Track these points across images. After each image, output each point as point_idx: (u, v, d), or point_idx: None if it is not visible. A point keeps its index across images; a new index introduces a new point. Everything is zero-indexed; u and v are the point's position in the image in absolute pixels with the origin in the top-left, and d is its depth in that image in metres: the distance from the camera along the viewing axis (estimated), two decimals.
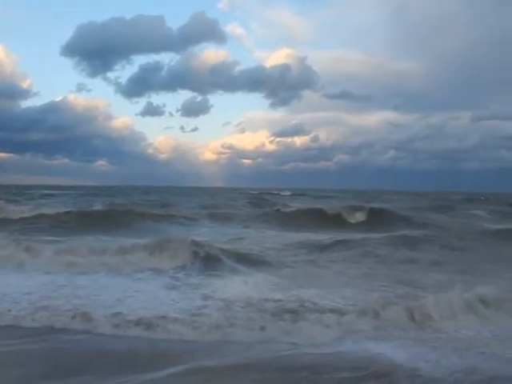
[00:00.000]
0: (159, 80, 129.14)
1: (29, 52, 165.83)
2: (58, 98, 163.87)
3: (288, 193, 65.55)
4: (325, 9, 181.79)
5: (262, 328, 5.99)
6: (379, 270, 10.74)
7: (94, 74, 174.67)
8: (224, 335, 5.85)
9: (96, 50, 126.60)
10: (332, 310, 6.78)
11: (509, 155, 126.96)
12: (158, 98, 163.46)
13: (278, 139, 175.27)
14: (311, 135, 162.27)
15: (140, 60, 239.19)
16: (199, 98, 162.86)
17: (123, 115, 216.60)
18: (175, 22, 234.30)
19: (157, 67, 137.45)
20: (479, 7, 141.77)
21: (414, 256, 12.54)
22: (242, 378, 4.80)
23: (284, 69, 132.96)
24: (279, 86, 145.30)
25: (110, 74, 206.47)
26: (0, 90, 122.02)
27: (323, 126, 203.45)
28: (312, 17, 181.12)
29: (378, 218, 21.46)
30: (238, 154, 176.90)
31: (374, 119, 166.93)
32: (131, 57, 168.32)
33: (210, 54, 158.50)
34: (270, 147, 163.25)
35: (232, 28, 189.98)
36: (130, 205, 28.47)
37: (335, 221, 21.07)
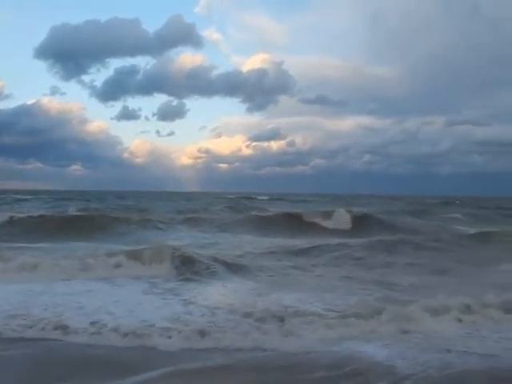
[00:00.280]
0: (135, 84, 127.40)
1: (1, 54, 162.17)
2: (31, 101, 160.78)
3: (265, 197, 65.67)
4: (301, 14, 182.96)
5: (246, 333, 5.98)
6: (357, 274, 10.87)
7: (68, 77, 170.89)
8: (207, 341, 5.80)
9: (70, 53, 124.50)
10: (314, 314, 6.83)
11: (480, 160, 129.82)
12: (133, 102, 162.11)
13: (255, 144, 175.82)
14: (287, 140, 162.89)
15: (115, 63, 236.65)
16: (175, 102, 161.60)
17: (98, 119, 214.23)
18: (151, 26, 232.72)
19: (133, 71, 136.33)
20: (454, 14, 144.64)
21: (392, 259, 12.76)
22: (221, 380, 4.88)
23: (260, 73, 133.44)
24: (256, 91, 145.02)
25: (85, 78, 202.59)
26: None
27: (299, 130, 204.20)
28: (288, 22, 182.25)
29: (357, 223, 21.64)
30: (215, 158, 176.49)
31: (350, 124, 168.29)
32: (106, 60, 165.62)
33: (187, 58, 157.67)
34: (247, 152, 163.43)
35: (209, 32, 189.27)
36: (106, 210, 28.16)
37: (313, 225, 21.14)
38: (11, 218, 19.89)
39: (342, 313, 6.87)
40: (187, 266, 10.28)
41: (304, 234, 18.99)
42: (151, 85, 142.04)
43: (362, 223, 21.25)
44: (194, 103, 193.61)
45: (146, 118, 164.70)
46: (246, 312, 6.89)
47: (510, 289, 8.28)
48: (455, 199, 70.13)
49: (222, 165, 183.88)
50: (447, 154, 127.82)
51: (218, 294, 8.67)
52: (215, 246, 15.30)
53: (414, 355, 5.28)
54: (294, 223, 21.53)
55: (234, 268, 10.69)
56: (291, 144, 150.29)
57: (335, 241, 16.26)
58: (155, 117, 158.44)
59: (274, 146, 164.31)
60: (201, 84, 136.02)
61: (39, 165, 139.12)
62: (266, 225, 20.92)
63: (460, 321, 6.47)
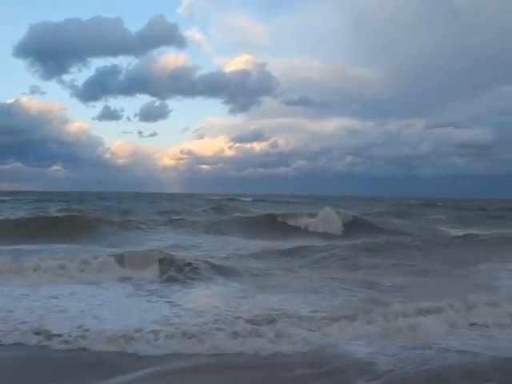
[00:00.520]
0: (117, 84, 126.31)
1: None
2: (10, 100, 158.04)
3: (249, 199, 65.54)
4: (284, 15, 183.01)
5: (230, 334, 5.97)
6: (342, 275, 10.90)
7: (48, 76, 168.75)
8: (192, 342, 5.74)
9: (50, 52, 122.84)
10: (298, 315, 6.92)
11: (460, 162, 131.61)
12: (115, 102, 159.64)
13: (237, 145, 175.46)
14: (270, 141, 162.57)
15: (97, 63, 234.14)
16: (158, 103, 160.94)
17: (79, 119, 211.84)
18: (134, 25, 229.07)
19: (114, 70, 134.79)
20: (435, 19, 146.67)
21: (377, 261, 12.84)
22: (206, 379, 5.01)
23: (244, 75, 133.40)
24: (239, 92, 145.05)
25: (66, 77, 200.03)
26: None
27: (282, 131, 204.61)
28: (271, 23, 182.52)
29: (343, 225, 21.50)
30: (197, 159, 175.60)
31: (333, 125, 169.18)
32: (88, 59, 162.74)
33: (170, 59, 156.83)
34: (229, 153, 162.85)
35: (191, 33, 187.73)
36: (87, 211, 27.67)
37: (298, 227, 21.05)
38: None
39: (327, 313, 7.02)
40: (172, 268, 10.16)
41: (289, 236, 18.95)
42: (133, 85, 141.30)
43: (347, 225, 21.19)
44: (176, 104, 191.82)
45: (128, 119, 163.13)
46: (232, 314, 6.94)
47: (487, 288, 8.89)
48: (436, 201, 70.87)
49: (204, 166, 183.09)
50: (428, 156, 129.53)
51: (203, 296, 8.62)
52: (199, 248, 15.18)
53: (396, 352, 5.45)
54: (279, 224, 21.43)
55: (220, 270, 10.60)
56: (274, 145, 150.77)
57: (320, 242, 16.33)
58: (137, 117, 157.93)
59: (257, 147, 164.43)
60: (184, 85, 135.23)
61: (18, 165, 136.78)
62: (251, 226, 20.77)
63: (443, 319, 6.64)
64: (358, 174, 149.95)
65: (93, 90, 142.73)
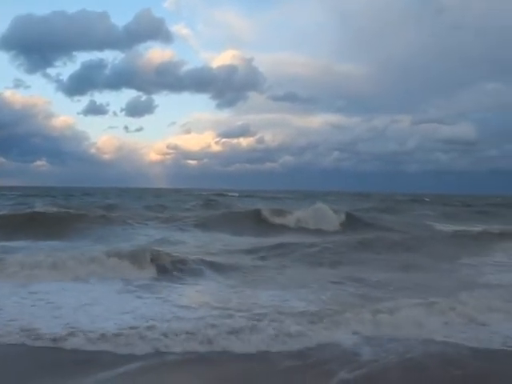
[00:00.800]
0: (103, 78, 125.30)
1: None
2: None
3: (236, 194, 65.34)
4: (271, 11, 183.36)
5: (222, 328, 6.01)
6: (331, 271, 10.97)
7: (32, 69, 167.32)
8: (186, 338, 5.72)
9: (35, 45, 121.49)
10: (292, 309, 7.07)
11: (445, 158, 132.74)
12: (101, 97, 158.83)
13: (224, 140, 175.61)
14: (257, 136, 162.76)
15: (82, 57, 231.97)
16: (144, 98, 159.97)
17: (64, 114, 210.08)
18: (120, 20, 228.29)
19: (100, 65, 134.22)
20: (422, 16, 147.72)
21: (366, 256, 12.92)
22: (198, 370, 5.09)
23: (230, 70, 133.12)
24: (225, 87, 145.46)
25: (51, 71, 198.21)
26: None
27: (269, 127, 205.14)
28: (258, 18, 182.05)
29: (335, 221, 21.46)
30: (184, 154, 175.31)
31: (319, 121, 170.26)
32: (73, 53, 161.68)
33: (156, 54, 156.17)
34: (216, 148, 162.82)
35: (178, 28, 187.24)
36: (73, 206, 27.28)
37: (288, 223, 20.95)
38: None
39: (315, 307, 7.21)
40: (162, 264, 10.08)
41: (279, 231, 18.92)
42: (119, 79, 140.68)
43: (340, 221, 21.15)
44: (163, 99, 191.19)
45: (114, 114, 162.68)
46: (222, 309, 6.99)
47: (473, 282, 9.43)
48: (423, 196, 71.34)
49: (190, 161, 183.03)
50: (414, 151, 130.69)
51: (193, 292, 8.54)
52: (188, 244, 15.12)
53: (380, 343, 5.64)
54: (269, 220, 21.34)
55: (210, 266, 10.51)
56: (260, 141, 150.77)
57: (311, 238, 16.30)
58: (123, 112, 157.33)
59: (244, 142, 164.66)
60: (170, 80, 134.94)
61: (1, 160, 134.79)
62: (240, 222, 20.67)
63: (428, 312, 6.74)
64: (344, 169, 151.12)
65: (78, 85, 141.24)
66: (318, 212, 21.31)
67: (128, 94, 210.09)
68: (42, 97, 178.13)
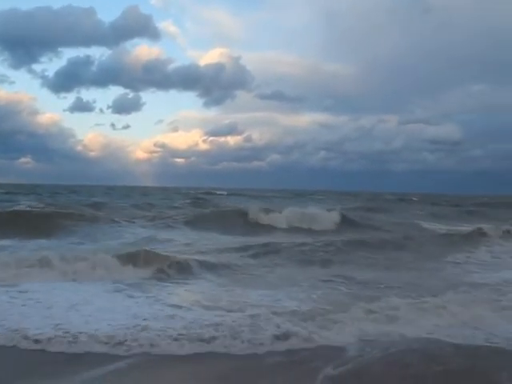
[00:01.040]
0: (89, 75, 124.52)
1: None
2: None
3: (224, 192, 65.13)
4: (259, 10, 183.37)
5: (212, 325, 6.07)
6: (320, 270, 11.05)
7: (17, 65, 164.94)
8: (180, 338, 5.71)
9: (20, 40, 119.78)
10: (283, 308, 7.13)
11: (431, 158, 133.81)
12: (87, 94, 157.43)
13: (211, 138, 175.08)
14: (244, 135, 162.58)
15: (69, 53, 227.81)
16: (131, 95, 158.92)
17: (50, 110, 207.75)
18: (107, 16, 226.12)
19: (87, 61, 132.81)
20: (408, 17, 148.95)
21: (354, 255, 13.06)
22: (186, 367, 5.13)
23: (218, 68, 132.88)
24: (213, 85, 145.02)
25: (36, 67, 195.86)
26: None
27: (256, 125, 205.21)
28: (246, 17, 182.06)
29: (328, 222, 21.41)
30: (171, 152, 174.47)
31: (306, 120, 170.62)
32: (59, 49, 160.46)
33: (143, 51, 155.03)
34: (203, 146, 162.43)
35: (166, 25, 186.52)
36: (59, 205, 26.89)
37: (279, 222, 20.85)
38: None
39: (304, 305, 7.33)
40: (152, 264, 9.98)
41: (270, 231, 18.85)
42: (106, 76, 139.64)
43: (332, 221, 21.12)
44: (150, 96, 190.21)
45: (101, 111, 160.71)
46: (215, 308, 7.02)
47: (455, 280, 9.74)
48: (410, 196, 71.78)
49: (178, 159, 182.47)
50: (400, 151, 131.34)
51: (184, 292, 8.47)
52: (176, 242, 15.00)
53: (366, 339, 5.74)
54: (259, 219, 21.16)
55: (200, 265, 10.42)
56: (248, 139, 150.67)
57: (300, 237, 16.31)
58: (110, 109, 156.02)
59: (231, 141, 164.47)
60: (157, 77, 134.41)
61: None
62: (229, 221, 20.54)
63: (415, 309, 6.89)
64: (331, 168, 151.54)
65: (64, 81, 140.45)
66: (307, 211, 21.26)
67: (115, 91, 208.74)
68: (27, 93, 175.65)
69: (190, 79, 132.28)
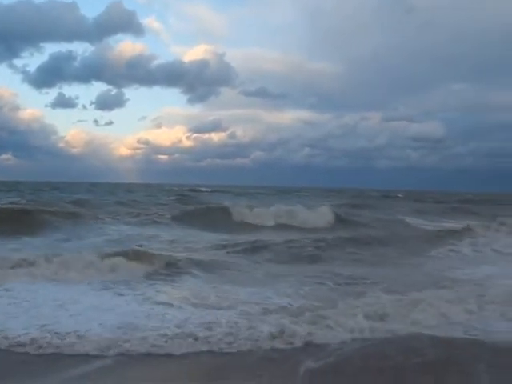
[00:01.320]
0: (72, 70, 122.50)
1: None
2: None
3: (208, 189, 64.88)
4: (243, 6, 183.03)
5: (198, 322, 6.11)
6: (307, 266, 11.07)
7: None
8: (169, 336, 5.67)
9: (0, 34, 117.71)
10: (275, 305, 7.19)
11: (414, 155, 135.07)
12: (70, 90, 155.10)
13: (195, 135, 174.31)
14: (228, 132, 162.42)
15: (51, 48, 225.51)
16: (114, 91, 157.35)
17: (32, 106, 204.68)
18: (90, 11, 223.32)
19: (69, 57, 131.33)
20: (391, 17, 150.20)
21: (341, 252, 13.16)
22: (166, 365, 5.12)
23: (202, 64, 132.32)
24: (197, 82, 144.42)
25: (17, 62, 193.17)
26: None
27: (240, 122, 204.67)
28: (230, 14, 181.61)
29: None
30: (154, 149, 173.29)
31: (290, 117, 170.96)
32: (41, 44, 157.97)
33: (127, 47, 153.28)
34: (187, 143, 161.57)
35: (149, 21, 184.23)
36: (41, 202, 26.42)
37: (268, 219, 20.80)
38: None
39: (294, 303, 7.40)
40: (140, 262, 9.85)
41: (255, 228, 18.77)
42: (89, 72, 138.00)
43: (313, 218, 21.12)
44: (133, 93, 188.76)
45: (84, 107, 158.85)
46: (205, 305, 7.03)
47: (438, 276, 9.94)
48: (395, 192, 72.31)
49: (161, 156, 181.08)
50: (384, 148, 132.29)
51: (172, 289, 8.34)
52: (163, 240, 14.81)
53: (348, 333, 5.83)
54: (246, 217, 21.08)
55: (188, 262, 10.29)
56: (232, 136, 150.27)
57: (287, 235, 16.28)
58: (93, 106, 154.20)
59: (215, 137, 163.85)
60: (141, 73, 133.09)
61: None
62: (216, 218, 20.45)
63: (397, 304, 7.06)
64: (315, 165, 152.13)
65: (46, 77, 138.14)
66: (295, 208, 21.24)
67: (98, 88, 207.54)
68: (8, 88, 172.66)
69: (173, 76, 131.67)
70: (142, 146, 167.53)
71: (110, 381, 4.74)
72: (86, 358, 5.13)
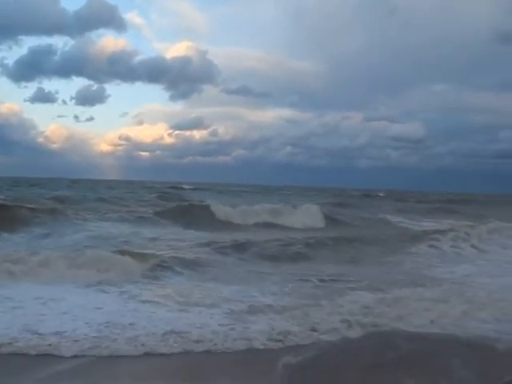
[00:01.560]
0: (52, 65, 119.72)
1: None
2: None
3: (191, 187, 64.54)
4: (225, 4, 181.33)
5: (203, 325, 6.05)
6: (290, 265, 11.12)
7: None
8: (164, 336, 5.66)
9: None
10: (260, 303, 7.26)
11: (395, 155, 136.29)
12: (49, 84, 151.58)
13: (177, 132, 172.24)
14: (210, 129, 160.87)
15: (30, 41, 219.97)
16: (95, 87, 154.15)
17: (9, 100, 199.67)
18: (71, 4, 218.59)
19: (49, 51, 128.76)
20: (373, 16, 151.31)
21: (321, 251, 13.15)
22: (147, 364, 5.11)
23: (185, 61, 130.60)
24: (179, 79, 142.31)
25: None
26: None
27: (222, 120, 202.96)
28: (213, 11, 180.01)
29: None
30: (135, 146, 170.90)
31: (272, 115, 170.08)
32: (19, 37, 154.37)
33: (108, 42, 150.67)
34: (169, 140, 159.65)
35: (131, 16, 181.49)
36: (19, 199, 25.86)
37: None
38: None
39: (278, 301, 7.45)
40: (125, 261, 9.65)
41: (238, 227, 18.69)
42: (69, 67, 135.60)
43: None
44: (115, 88, 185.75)
45: (64, 102, 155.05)
46: (190, 304, 7.03)
47: (418, 274, 10.30)
48: (376, 192, 72.82)
49: (143, 153, 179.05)
50: (364, 148, 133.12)
51: (157, 288, 8.27)
52: (146, 238, 14.63)
53: (328, 329, 5.96)
54: (230, 216, 20.94)
55: (172, 260, 10.20)
56: (214, 134, 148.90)
57: (271, 234, 16.22)
58: (73, 101, 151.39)
59: (197, 135, 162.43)
60: (122, 69, 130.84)
61: None
62: (199, 216, 20.33)
63: (377, 301, 7.26)
64: (297, 164, 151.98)
65: (25, 70, 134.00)
66: (278, 207, 21.23)
67: (78, 83, 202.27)
68: None
69: (155, 72, 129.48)
70: (123, 142, 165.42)
71: (92, 380, 4.69)
72: (68, 357, 5.06)
